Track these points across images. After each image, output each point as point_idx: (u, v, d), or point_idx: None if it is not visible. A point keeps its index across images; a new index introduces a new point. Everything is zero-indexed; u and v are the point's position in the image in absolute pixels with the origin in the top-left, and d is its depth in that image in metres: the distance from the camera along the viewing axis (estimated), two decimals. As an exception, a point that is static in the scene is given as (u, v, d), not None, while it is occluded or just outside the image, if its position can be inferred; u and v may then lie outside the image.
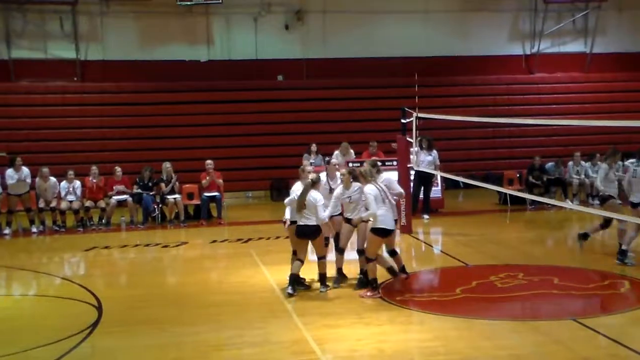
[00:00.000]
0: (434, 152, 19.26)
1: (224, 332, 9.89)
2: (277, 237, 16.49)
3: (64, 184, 19.48)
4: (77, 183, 19.59)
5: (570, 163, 21.55)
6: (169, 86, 25.53)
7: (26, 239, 18.64)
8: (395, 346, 9.09)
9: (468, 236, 16.84)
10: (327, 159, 20.45)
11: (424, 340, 9.38)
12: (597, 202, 20.50)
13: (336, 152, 20.85)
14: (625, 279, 12.20)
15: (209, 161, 20.01)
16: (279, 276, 12.79)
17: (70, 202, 19.37)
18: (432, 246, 16.48)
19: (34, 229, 18.97)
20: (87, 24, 25.69)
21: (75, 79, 25.53)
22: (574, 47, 28.59)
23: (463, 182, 19.99)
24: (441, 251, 15.54)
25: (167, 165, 20.09)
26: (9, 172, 18.78)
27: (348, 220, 12.08)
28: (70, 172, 19.63)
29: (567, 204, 18.88)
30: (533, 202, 19.98)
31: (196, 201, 20.36)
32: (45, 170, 19.34)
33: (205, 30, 26.35)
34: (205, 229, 19.18)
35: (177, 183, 19.95)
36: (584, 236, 14.18)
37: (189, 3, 25.44)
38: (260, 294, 11.97)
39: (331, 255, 12.60)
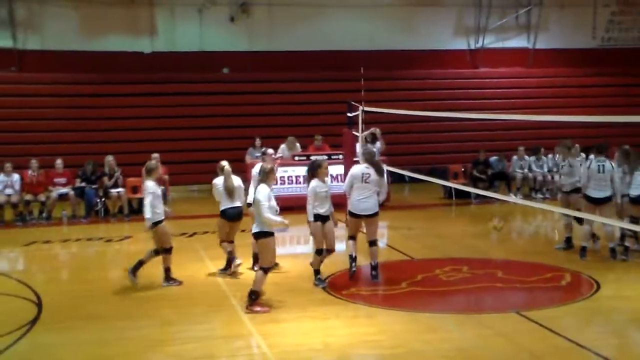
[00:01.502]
0: (378, 143, 19.24)
1: (168, 327, 9.83)
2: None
3: (1, 177, 19.14)
4: (16, 176, 19.25)
5: (515, 157, 21.86)
6: (111, 78, 25.22)
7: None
8: (341, 340, 9.13)
9: (413, 230, 16.97)
10: (263, 149, 20.33)
11: (369, 333, 9.44)
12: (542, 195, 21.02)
13: (282, 146, 20.88)
14: (566, 271, 12.43)
15: (155, 154, 19.82)
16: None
17: (9, 195, 19.03)
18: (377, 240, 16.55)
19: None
20: (24, 12, 25.23)
21: (12, 68, 25.04)
22: (517, 42, 29.01)
23: (409, 176, 20.14)
24: (387, 245, 15.56)
25: (109, 158, 19.92)
26: None
27: (323, 218, 11.73)
28: (8, 165, 19.29)
29: (511, 198, 19.16)
30: (477, 195, 20.20)
31: (140, 195, 20.10)
32: (-18, 163, 19.03)
33: (148, 21, 26.10)
34: (150, 222, 18.98)
35: (120, 176, 19.77)
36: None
37: (132, -6, 25.27)
38: (205, 288, 11.96)
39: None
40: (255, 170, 12.23)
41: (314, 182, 11.58)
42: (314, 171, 11.64)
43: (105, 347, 9.15)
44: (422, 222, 18.03)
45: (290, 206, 19.38)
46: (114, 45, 25.66)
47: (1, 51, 24.92)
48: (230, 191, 12.54)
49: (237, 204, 12.68)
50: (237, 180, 12.73)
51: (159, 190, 12.13)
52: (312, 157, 20.22)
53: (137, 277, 12.08)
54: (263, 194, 10.35)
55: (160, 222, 12.02)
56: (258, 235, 10.48)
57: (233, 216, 12.64)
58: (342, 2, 26.79)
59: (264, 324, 9.78)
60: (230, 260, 12.73)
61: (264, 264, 10.49)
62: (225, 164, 12.72)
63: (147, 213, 11.80)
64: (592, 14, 29.30)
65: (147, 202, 11.84)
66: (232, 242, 12.84)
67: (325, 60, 26.50)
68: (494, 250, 14.77)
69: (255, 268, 11.87)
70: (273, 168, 11.08)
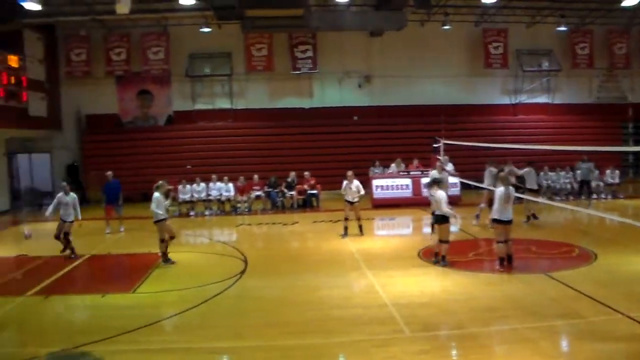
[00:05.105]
0: (450, 164, 18.55)
1: (320, 279, 9.97)
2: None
3: (222, 185, 19.68)
4: (231, 185, 19.77)
5: (542, 173, 20.82)
6: (285, 124, 25.56)
7: (202, 219, 18.78)
8: (430, 289, 9.11)
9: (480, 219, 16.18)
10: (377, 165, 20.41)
11: (447, 285, 9.36)
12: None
13: (393, 165, 20.87)
14: (576, 247, 11.82)
15: (306, 173, 20.31)
16: (357, 245, 12.83)
17: (227, 195, 19.73)
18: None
19: (207, 212, 19.26)
20: (237, 86, 26.06)
21: (230, 120, 25.92)
22: (542, 99, 27.51)
23: (474, 185, 19.52)
24: (459, 229, 14.83)
25: (292, 173, 20.37)
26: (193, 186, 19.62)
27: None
28: (226, 178, 19.90)
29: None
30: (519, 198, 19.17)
31: (303, 196, 20.44)
32: (214, 176, 19.89)
33: (308, 88, 26.43)
34: (309, 213, 19.07)
35: (294, 184, 20.25)
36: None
37: (298, 72, 25.68)
38: (343, 255, 12.01)
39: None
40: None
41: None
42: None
43: (285, 289, 9.44)
44: (484, 215, 17.24)
45: (398, 204, 19.36)
46: (287, 104, 26.14)
47: (223, 110, 25.81)
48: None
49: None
50: (356, 182, 13.88)
51: (163, 200, 11.37)
52: (412, 172, 20.04)
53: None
54: (443, 195, 10.45)
55: (163, 219, 11.34)
56: (443, 220, 10.37)
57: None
58: (429, 74, 26.31)
59: (382, 278, 9.80)
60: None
61: (445, 238, 10.46)
62: (350, 172, 14.05)
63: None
64: (588, 79, 27.57)
65: (152, 206, 11.17)
66: None
67: (419, 110, 25.99)
68: (533, 233, 14.01)
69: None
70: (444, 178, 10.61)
